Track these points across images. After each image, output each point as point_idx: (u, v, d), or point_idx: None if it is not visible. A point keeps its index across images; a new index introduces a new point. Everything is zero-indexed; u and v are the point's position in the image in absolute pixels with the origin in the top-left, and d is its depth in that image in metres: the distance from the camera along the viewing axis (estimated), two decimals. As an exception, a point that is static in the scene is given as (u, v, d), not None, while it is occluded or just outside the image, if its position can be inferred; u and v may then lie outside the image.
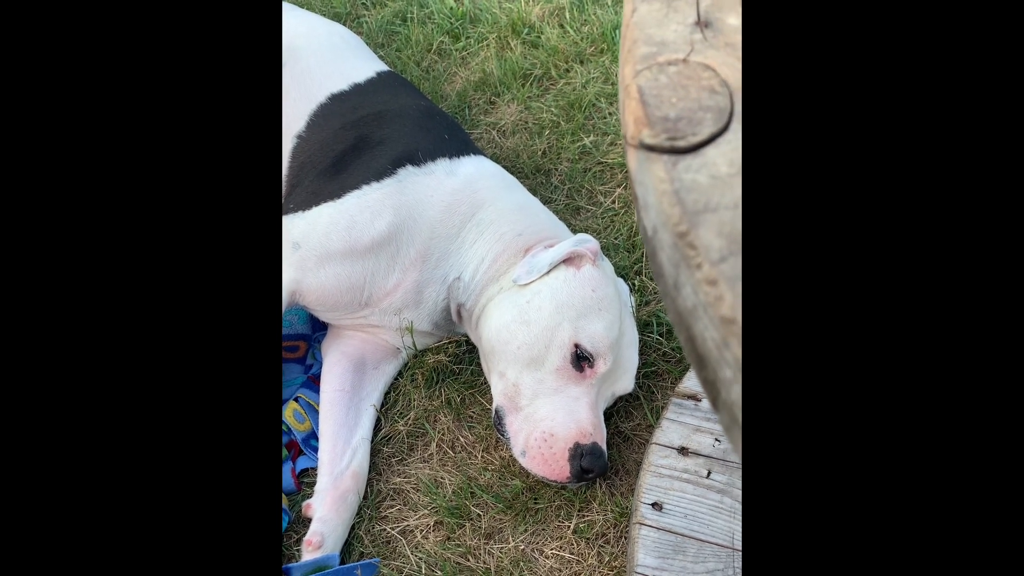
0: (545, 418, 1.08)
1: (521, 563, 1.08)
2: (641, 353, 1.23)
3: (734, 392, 0.33)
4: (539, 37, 1.83)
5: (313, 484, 1.17)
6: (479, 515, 1.13)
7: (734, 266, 0.34)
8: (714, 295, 0.33)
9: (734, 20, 0.48)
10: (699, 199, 0.37)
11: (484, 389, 1.26)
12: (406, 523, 1.14)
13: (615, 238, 1.44)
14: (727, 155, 0.39)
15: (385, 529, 1.13)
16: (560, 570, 1.07)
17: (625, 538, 1.09)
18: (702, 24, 0.48)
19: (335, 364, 1.26)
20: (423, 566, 1.08)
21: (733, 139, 0.40)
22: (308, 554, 1.08)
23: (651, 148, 0.41)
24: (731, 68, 0.45)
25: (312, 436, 1.24)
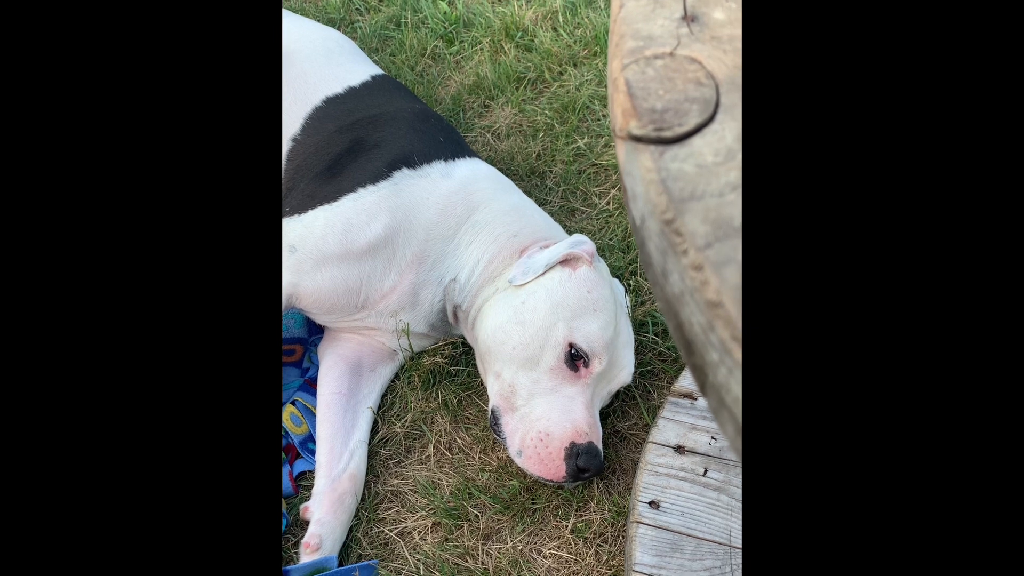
0: (541, 418, 1.09)
1: (519, 563, 1.08)
2: (637, 353, 1.23)
3: (720, 375, 0.33)
4: (532, 41, 1.84)
5: (311, 487, 1.17)
6: (477, 516, 1.13)
7: (719, 251, 0.34)
8: (700, 280, 0.34)
9: (719, 14, 0.48)
10: (685, 187, 0.37)
11: (481, 390, 1.26)
12: (404, 524, 1.14)
13: (610, 239, 1.44)
14: (712, 145, 0.40)
15: (383, 531, 1.14)
16: (558, 570, 1.07)
17: (623, 537, 1.09)
18: (688, 18, 0.48)
19: (332, 367, 1.27)
20: (421, 567, 1.08)
21: (718, 129, 0.41)
22: (306, 556, 1.08)
23: (639, 139, 0.41)
24: (717, 61, 0.45)
25: (309, 439, 1.24)
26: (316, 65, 1.42)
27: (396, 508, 1.16)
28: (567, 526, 1.11)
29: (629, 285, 1.36)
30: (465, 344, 1.31)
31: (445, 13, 1.93)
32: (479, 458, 1.20)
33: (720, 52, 0.45)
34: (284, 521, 1.14)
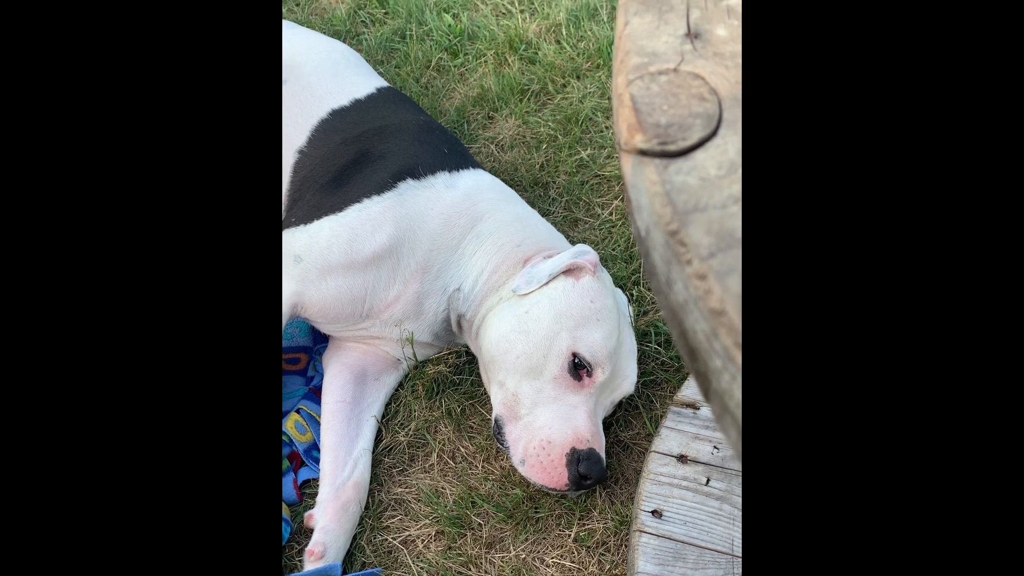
0: (543, 426, 1.09)
1: (522, 572, 1.08)
2: (640, 362, 1.24)
3: (724, 381, 0.34)
4: (536, 53, 1.86)
5: (315, 495, 1.18)
6: (480, 524, 1.14)
7: (722, 261, 0.35)
8: (703, 289, 0.35)
9: (722, 31, 0.50)
10: (689, 199, 0.39)
11: (484, 399, 1.27)
12: (407, 533, 1.14)
13: (613, 249, 1.45)
14: (715, 158, 0.41)
15: (387, 539, 1.14)
16: (561, 578, 1.08)
17: (625, 546, 1.10)
18: (692, 35, 0.50)
19: (336, 376, 1.28)
20: (425, 575, 1.09)
21: (721, 143, 0.42)
22: (310, 564, 1.08)
23: (644, 153, 0.43)
24: (719, 77, 0.46)
25: (314, 447, 1.24)
26: (322, 78, 1.43)
27: (400, 516, 1.16)
28: (570, 535, 1.12)
29: (632, 295, 1.37)
30: (469, 353, 1.32)
31: (450, 26, 1.95)
32: (482, 467, 1.20)
33: (723, 68, 0.47)
34: (288, 529, 1.15)
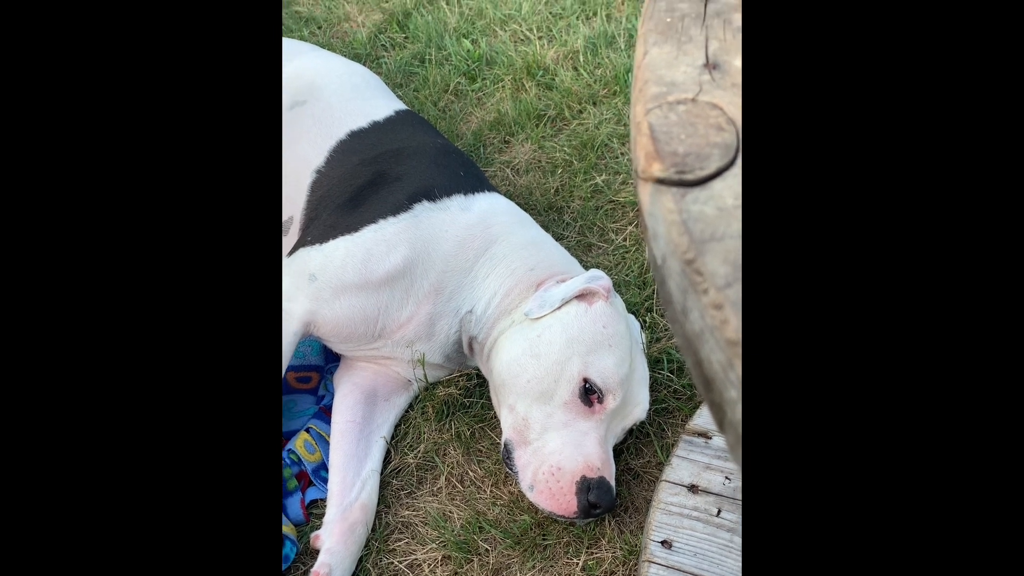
0: (553, 452, 1.08)
1: (529, 600, 1.07)
2: (652, 390, 1.23)
3: (739, 412, 0.34)
4: (553, 79, 1.88)
5: (322, 515, 1.17)
6: (487, 550, 1.12)
7: (739, 291, 0.35)
8: (720, 319, 0.35)
9: (740, 62, 0.50)
10: (706, 229, 0.38)
11: (494, 423, 1.26)
12: (414, 556, 1.13)
13: (626, 275, 1.45)
14: (733, 188, 0.41)
15: (393, 562, 1.13)
16: (568, 608, 1.06)
17: (634, 576, 1.08)
18: (710, 66, 0.50)
19: (347, 395, 1.28)
20: (430, 601, 1.08)
21: (739, 173, 0.42)
22: (315, 585, 1.07)
23: (661, 181, 0.43)
24: (737, 107, 0.47)
25: (322, 467, 1.24)
26: (342, 99, 1.45)
27: (406, 539, 1.15)
28: (578, 563, 1.10)
29: (645, 321, 1.37)
30: (479, 376, 1.31)
31: (468, 51, 1.98)
32: (491, 491, 1.19)
33: (741, 99, 0.47)
34: (294, 549, 1.14)
